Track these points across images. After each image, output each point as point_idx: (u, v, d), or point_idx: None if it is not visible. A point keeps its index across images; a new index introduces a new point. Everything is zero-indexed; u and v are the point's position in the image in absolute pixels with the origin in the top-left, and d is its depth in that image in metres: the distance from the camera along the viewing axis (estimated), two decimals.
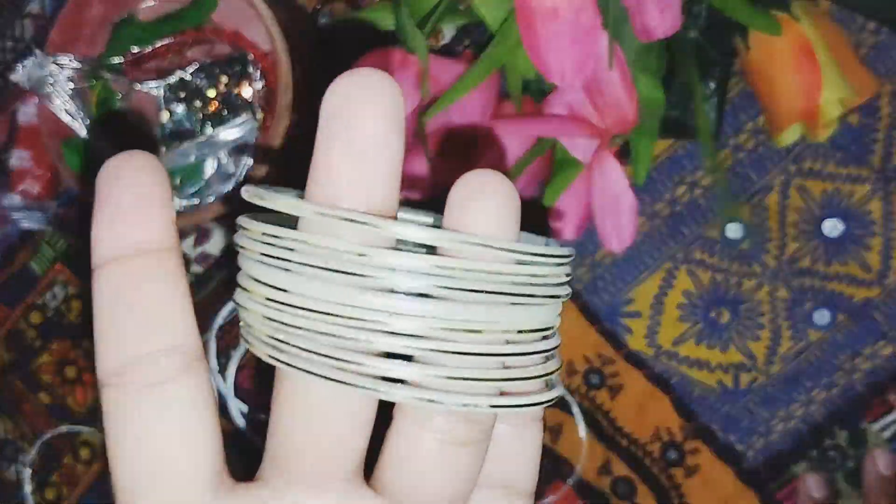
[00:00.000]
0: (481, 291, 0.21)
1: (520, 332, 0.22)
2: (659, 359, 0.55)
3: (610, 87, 0.45)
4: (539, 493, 0.57)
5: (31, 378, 0.65)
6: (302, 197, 0.21)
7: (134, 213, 0.21)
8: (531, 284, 0.21)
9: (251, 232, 0.22)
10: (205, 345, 0.61)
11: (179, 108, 0.55)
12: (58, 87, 0.53)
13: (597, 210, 0.47)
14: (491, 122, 0.47)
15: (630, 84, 0.46)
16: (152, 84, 0.55)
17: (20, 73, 0.53)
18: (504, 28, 0.46)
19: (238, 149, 0.54)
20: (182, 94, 0.55)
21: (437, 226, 0.21)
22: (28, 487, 0.64)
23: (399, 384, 0.21)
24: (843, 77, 0.47)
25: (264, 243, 0.21)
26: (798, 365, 0.53)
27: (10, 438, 0.65)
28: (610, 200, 0.46)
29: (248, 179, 0.54)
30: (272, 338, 0.21)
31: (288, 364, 0.21)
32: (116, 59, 0.55)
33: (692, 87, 0.47)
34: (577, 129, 0.45)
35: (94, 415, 0.63)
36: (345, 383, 0.20)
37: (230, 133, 0.53)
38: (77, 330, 0.63)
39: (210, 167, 0.55)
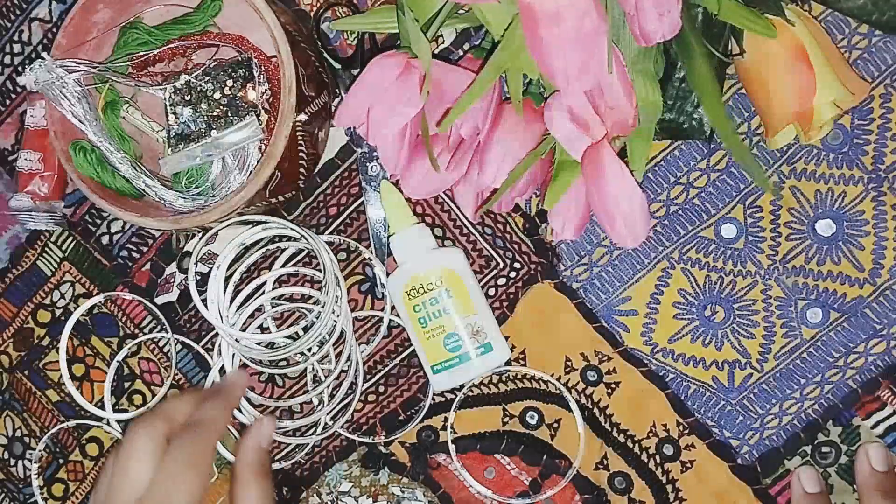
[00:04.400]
0: None
1: None
2: (655, 356, 0.56)
3: (611, 89, 0.46)
4: (537, 488, 0.57)
5: (39, 376, 0.65)
6: None
7: None
8: None
9: None
10: (211, 343, 0.61)
11: (185, 111, 0.55)
12: (65, 90, 0.53)
13: (608, 211, 0.47)
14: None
15: (630, 87, 0.46)
16: (158, 87, 0.55)
17: (28, 77, 0.53)
18: (508, 33, 0.46)
19: (243, 150, 0.55)
20: (187, 97, 0.55)
21: None
22: (36, 482, 0.65)
23: None
24: (836, 80, 0.47)
25: None
26: (791, 362, 0.54)
27: (19, 435, 0.66)
28: (620, 200, 0.46)
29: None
30: None
31: None
32: (123, 63, 0.56)
33: (697, 80, 0.46)
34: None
35: (101, 411, 0.63)
36: None
37: (235, 135, 0.54)
38: (84, 328, 0.64)
39: (215, 169, 0.55)
